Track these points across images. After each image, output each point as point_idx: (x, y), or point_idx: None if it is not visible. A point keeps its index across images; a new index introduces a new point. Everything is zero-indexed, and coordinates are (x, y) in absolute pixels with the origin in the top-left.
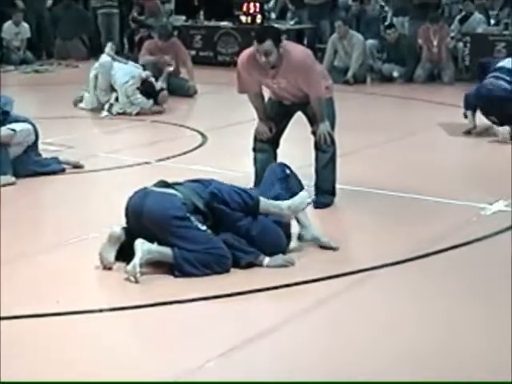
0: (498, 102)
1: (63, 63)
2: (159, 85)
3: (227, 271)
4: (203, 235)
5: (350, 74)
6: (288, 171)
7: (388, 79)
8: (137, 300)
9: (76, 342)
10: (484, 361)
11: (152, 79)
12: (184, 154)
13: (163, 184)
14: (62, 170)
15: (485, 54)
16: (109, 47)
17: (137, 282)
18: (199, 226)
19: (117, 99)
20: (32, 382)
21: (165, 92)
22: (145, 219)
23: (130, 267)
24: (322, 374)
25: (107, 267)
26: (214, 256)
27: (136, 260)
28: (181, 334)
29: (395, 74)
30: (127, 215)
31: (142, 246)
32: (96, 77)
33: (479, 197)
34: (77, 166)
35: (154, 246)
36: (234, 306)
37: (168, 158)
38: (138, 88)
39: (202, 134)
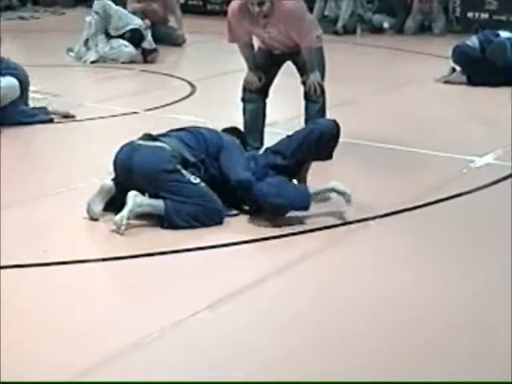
0: (466, 58)
1: (49, 10)
2: (150, 42)
3: (220, 223)
4: (196, 188)
5: (339, 24)
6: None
7: (378, 30)
8: (123, 251)
9: (61, 293)
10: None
11: (146, 31)
12: (173, 103)
13: (149, 137)
14: (50, 121)
15: (475, 6)
16: None
17: (121, 233)
18: (191, 179)
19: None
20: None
21: (156, 54)
22: (134, 175)
23: (117, 218)
24: (309, 327)
25: (94, 218)
26: (205, 208)
27: (125, 212)
28: (167, 285)
29: (385, 24)
30: (115, 170)
31: (134, 199)
32: (90, 23)
33: (469, 149)
34: (66, 116)
35: (147, 200)
36: (220, 258)
37: (157, 108)
38: (123, 35)
39: (191, 84)
